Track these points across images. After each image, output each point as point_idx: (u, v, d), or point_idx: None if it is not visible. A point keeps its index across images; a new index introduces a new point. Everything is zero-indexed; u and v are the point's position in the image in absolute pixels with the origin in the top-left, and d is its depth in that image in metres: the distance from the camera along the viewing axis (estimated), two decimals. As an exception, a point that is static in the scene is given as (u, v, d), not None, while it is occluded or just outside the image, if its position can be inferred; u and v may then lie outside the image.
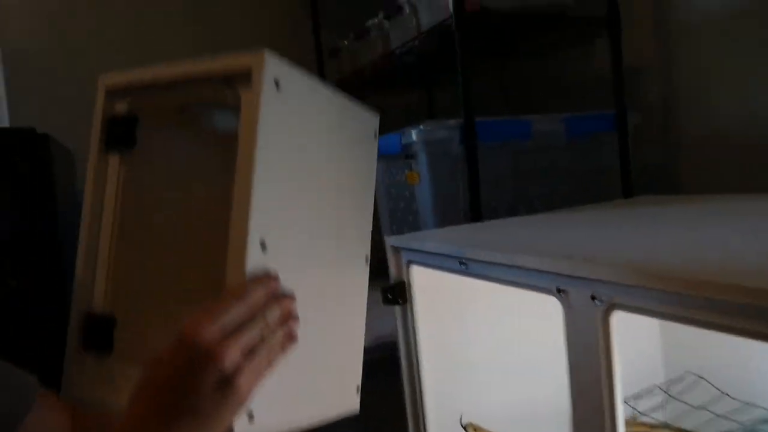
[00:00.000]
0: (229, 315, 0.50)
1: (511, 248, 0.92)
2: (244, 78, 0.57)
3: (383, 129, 1.67)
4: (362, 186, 0.81)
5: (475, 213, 1.43)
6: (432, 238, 1.17)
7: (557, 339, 0.82)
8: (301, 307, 0.59)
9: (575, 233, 1.08)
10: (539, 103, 2.09)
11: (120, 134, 0.70)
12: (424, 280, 1.19)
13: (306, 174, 0.67)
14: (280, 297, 0.56)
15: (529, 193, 1.62)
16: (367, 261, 0.84)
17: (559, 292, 0.77)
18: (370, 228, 0.83)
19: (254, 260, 0.54)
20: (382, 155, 1.65)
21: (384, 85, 2.38)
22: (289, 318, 0.56)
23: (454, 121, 1.44)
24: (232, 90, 0.58)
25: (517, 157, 1.56)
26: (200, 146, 0.80)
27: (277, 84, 0.57)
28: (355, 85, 2.30)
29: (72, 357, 0.68)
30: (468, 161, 1.42)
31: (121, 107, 0.70)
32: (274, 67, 0.57)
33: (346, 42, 2.25)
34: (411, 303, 1.19)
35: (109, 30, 2.34)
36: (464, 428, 1.15)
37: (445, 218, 1.46)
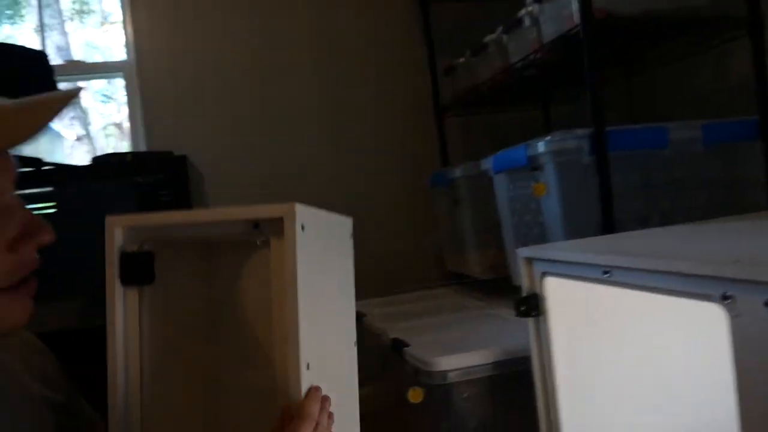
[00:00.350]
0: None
1: (662, 255, 0.87)
2: (274, 223, 0.65)
3: (499, 146, 1.67)
4: (349, 281, 0.88)
5: (607, 225, 1.38)
6: (570, 248, 1.13)
7: (714, 353, 0.77)
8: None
9: (731, 240, 1.01)
10: (666, 112, 2.00)
11: (137, 270, 0.71)
12: (558, 292, 1.15)
13: (323, 291, 0.75)
14: (325, 403, 0.67)
15: (661, 204, 1.54)
16: (355, 345, 0.91)
17: (725, 299, 0.72)
18: (354, 315, 0.90)
19: (305, 381, 0.65)
20: (505, 169, 1.63)
21: (499, 101, 2.36)
22: (331, 418, 0.69)
23: (583, 130, 1.40)
24: (259, 232, 0.66)
25: (650, 167, 1.49)
26: (218, 271, 0.82)
27: (303, 228, 0.66)
28: (470, 101, 2.30)
29: None
30: (599, 171, 1.37)
31: (136, 245, 0.72)
32: (300, 215, 0.65)
33: (462, 59, 2.25)
34: (545, 315, 1.15)
35: (237, 58, 2.47)
36: None
37: (574, 231, 1.41)
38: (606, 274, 0.95)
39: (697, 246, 1.00)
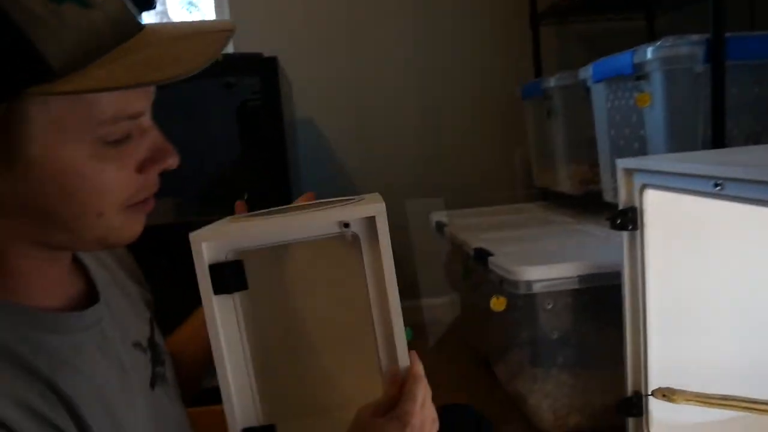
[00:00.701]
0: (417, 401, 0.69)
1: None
2: (362, 222, 0.72)
3: (596, 57, 1.57)
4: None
5: (717, 140, 1.29)
6: (675, 160, 1.07)
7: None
8: None
9: None
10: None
11: (229, 280, 0.72)
12: (658, 206, 1.10)
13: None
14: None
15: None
16: None
17: None
18: None
19: (405, 352, 0.75)
20: (606, 78, 1.54)
21: (599, 8, 2.21)
22: None
23: (699, 36, 1.29)
24: (347, 230, 0.72)
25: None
26: (306, 266, 0.84)
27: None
28: (568, 8, 2.16)
29: None
30: (713, 81, 1.27)
31: (223, 255, 0.72)
32: (385, 212, 0.72)
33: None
34: (642, 230, 1.11)
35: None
36: (652, 395, 1.05)
37: (678, 145, 1.33)
38: (717, 187, 0.90)
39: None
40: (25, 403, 0.50)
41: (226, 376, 0.75)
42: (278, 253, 0.81)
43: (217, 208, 1.96)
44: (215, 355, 0.74)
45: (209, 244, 0.72)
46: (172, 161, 0.58)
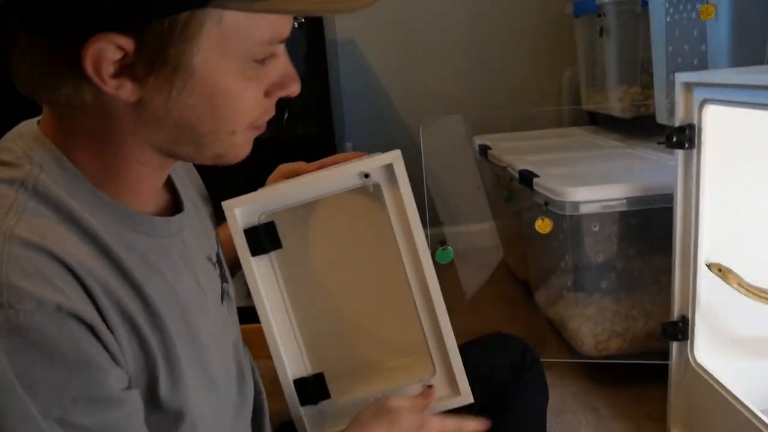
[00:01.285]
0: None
1: None
2: (381, 170, 0.75)
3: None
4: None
5: (785, 55, 1.20)
6: (740, 71, 1.00)
7: None
8: None
9: None
10: None
11: (264, 241, 0.77)
12: (717, 124, 1.04)
13: None
14: None
15: None
16: None
17: None
18: None
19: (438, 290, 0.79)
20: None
21: None
22: None
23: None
24: (369, 180, 0.75)
25: None
26: (333, 218, 0.88)
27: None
28: None
29: (296, 413, 0.82)
30: (785, -10, 1.17)
31: (256, 218, 0.76)
32: (401, 158, 0.75)
33: None
34: (700, 148, 1.05)
35: None
36: (708, 267, 1.04)
37: (743, 61, 1.25)
38: (786, 99, 0.84)
39: None
40: (115, 297, 0.52)
41: (273, 332, 0.79)
42: (308, 211, 0.84)
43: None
44: (259, 313, 0.79)
45: (242, 209, 0.76)
46: (296, 87, 0.60)
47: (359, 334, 0.91)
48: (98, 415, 0.48)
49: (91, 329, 0.48)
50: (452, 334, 0.79)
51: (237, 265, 0.81)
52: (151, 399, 0.55)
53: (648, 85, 1.76)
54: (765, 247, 1.05)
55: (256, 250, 0.77)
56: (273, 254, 0.78)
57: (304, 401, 0.81)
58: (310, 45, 1.66)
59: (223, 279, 0.73)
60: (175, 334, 0.57)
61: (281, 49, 0.57)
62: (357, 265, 0.89)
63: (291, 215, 0.80)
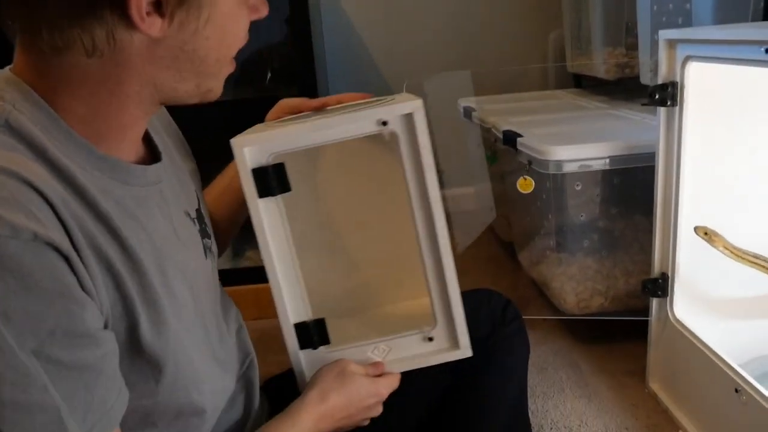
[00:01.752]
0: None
1: None
2: (400, 119, 0.73)
3: None
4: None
5: (769, 12, 1.20)
6: (723, 28, 1.00)
7: None
8: None
9: None
10: None
11: (272, 183, 0.74)
12: (700, 81, 1.04)
13: None
14: None
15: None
16: None
17: None
18: None
19: (447, 242, 0.78)
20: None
21: None
22: None
23: None
24: (386, 128, 0.73)
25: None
26: (347, 164, 0.86)
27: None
28: None
29: (296, 358, 0.81)
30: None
31: (265, 159, 0.73)
32: (422, 109, 0.72)
33: None
34: (682, 106, 1.06)
35: None
36: (695, 231, 1.05)
37: (727, 18, 1.24)
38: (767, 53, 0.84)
39: None
40: (89, 235, 0.51)
41: (276, 275, 0.78)
42: (318, 155, 0.83)
43: (238, 89, 1.93)
44: (263, 256, 0.77)
45: (251, 149, 0.73)
46: (265, 10, 0.62)
47: (363, 282, 0.91)
48: (74, 351, 0.48)
49: (67, 261, 0.48)
50: (457, 287, 0.79)
51: (242, 208, 0.80)
52: (133, 344, 0.55)
53: (633, 47, 1.75)
54: (745, 204, 1.06)
55: (264, 191, 0.74)
56: (281, 197, 0.76)
57: (303, 345, 0.81)
58: (292, 5, 1.63)
59: (204, 234, 0.72)
60: (154, 278, 0.57)
61: None
62: (364, 213, 0.87)
63: (301, 158, 0.77)
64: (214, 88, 0.61)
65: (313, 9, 1.86)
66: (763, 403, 0.93)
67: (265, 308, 1.80)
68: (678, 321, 1.16)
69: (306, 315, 0.80)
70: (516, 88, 2.29)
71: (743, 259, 1.05)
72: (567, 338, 1.51)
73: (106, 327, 0.52)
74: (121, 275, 0.53)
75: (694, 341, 1.11)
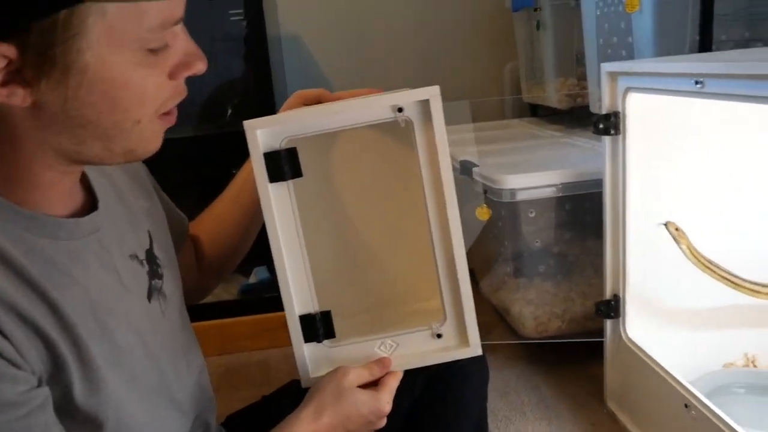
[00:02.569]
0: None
1: (761, 60, 0.80)
2: (416, 105, 0.72)
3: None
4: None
5: (704, 46, 1.27)
6: (658, 60, 1.06)
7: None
8: None
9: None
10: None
11: (284, 168, 0.73)
12: (641, 111, 1.10)
13: None
14: None
15: (766, 29, 1.40)
16: None
17: (830, 103, 0.66)
18: None
19: (459, 235, 0.75)
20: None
21: None
22: None
23: (689, -64, 1.25)
24: (401, 115, 0.72)
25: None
26: (358, 152, 0.85)
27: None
28: None
29: (300, 350, 0.79)
30: (703, -16, 1.24)
31: (278, 143, 0.72)
32: (439, 96, 0.71)
33: None
34: (624, 134, 1.11)
35: None
36: (665, 226, 1.09)
37: (666, 51, 1.31)
38: (698, 85, 0.89)
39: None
40: (10, 302, 0.51)
41: (283, 264, 0.76)
42: (331, 141, 0.82)
43: (199, 125, 1.94)
44: (272, 243, 0.75)
45: (264, 132, 0.72)
46: (201, 66, 0.59)
47: (372, 274, 0.88)
48: None
49: None
50: (468, 283, 0.77)
51: (250, 221, 0.81)
52: (68, 404, 0.55)
53: (583, 77, 1.82)
54: (686, 226, 1.11)
55: (276, 176, 0.72)
56: (291, 182, 0.74)
57: (308, 338, 0.78)
58: (250, 41, 1.67)
59: (154, 276, 0.71)
60: (89, 335, 0.57)
61: (179, 29, 0.56)
62: (376, 203, 0.85)
63: (314, 143, 0.76)
64: (135, 148, 0.58)
65: (273, 44, 1.90)
66: (711, 418, 0.96)
67: (229, 343, 1.82)
68: (631, 341, 1.20)
69: (312, 307, 0.78)
70: (474, 117, 2.34)
71: (701, 263, 1.08)
72: (529, 362, 1.54)
73: (40, 384, 0.53)
74: (50, 338, 0.53)
75: (646, 360, 1.14)
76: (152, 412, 0.65)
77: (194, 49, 0.58)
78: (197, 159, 1.72)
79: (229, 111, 1.80)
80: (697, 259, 1.09)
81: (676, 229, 1.09)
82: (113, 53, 0.51)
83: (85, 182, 0.66)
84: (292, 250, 0.76)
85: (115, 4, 0.49)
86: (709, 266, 1.09)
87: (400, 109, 0.71)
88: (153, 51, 0.54)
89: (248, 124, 0.71)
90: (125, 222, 0.69)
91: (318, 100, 0.84)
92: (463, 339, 0.79)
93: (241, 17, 1.77)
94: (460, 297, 0.77)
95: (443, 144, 0.72)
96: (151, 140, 0.59)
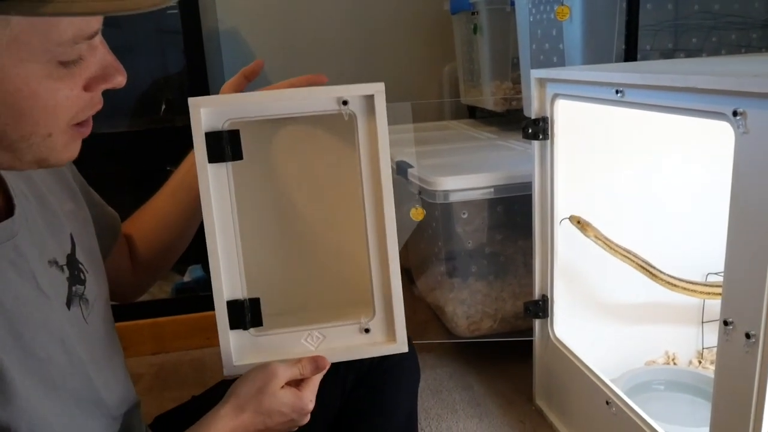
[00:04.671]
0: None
1: (676, 73, 0.84)
2: (361, 100, 0.73)
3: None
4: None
5: (630, 55, 1.32)
6: (584, 69, 1.10)
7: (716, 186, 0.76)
8: None
9: (751, 64, 0.96)
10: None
11: (225, 149, 0.73)
12: (568, 116, 1.13)
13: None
14: None
15: (690, 40, 1.46)
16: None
17: (735, 116, 0.70)
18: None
19: (394, 230, 0.76)
20: (529, -9, 1.54)
21: None
22: None
23: (617, -52, 1.30)
24: (346, 108, 0.73)
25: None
26: (301, 142, 0.85)
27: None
28: None
29: (225, 337, 0.78)
30: (628, -6, 1.29)
31: (220, 123, 0.72)
32: (383, 92, 0.73)
33: None
34: (552, 139, 1.14)
35: None
36: (569, 220, 1.14)
37: (593, 60, 1.36)
38: (618, 94, 0.93)
39: (715, 67, 0.96)
40: None
41: (215, 246, 0.75)
42: (275, 128, 0.81)
43: (133, 120, 1.89)
44: (206, 224, 0.75)
45: (208, 111, 0.72)
46: (120, 80, 0.58)
47: (304, 264, 0.88)
48: None
49: None
50: (399, 280, 0.77)
51: (191, 215, 0.80)
52: None
53: (518, 81, 1.87)
54: (612, 229, 1.15)
55: (215, 156, 0.73)
56: (231, 165, 0.74)
57: (234, 325, 0.78)
58: (186, 34, 1.64)
59: (75, 281, 0.70)
60: (1, 347, 0.55)
61: (96, 41, 0.55)
62: (315, 194, 0.86)
63: (257, 128, 0.76)
64: (47, 158, 0.57)
65: (211, 38, 1.87)
66: (630, 414, 1.01)
67: (163, 343, 1.78)
68: (558, 340, 1.24)
69: (241, 293, 0.78)
70: (414, 118, 2.36)
71: (613, 249, 1.12)
72: (461, 361, 1.57)
73: None
74: None
75: (572, 358, 1.18)
76: (77, 418, 0.64)
77: (113, 62, 0.57)
78: (130, 154, 1.69)
79: (164, 106, 1.77)
80: (611, 247, 1.12)
81: (579, 222, 1.12)
82: (18, 65, 0.49)
83: (2, 186, 0.64)
84: (226, 233, 0.76)
85: (20, 16, 0.47)
86: (626, 255, 1.12)
87: (344, 102, 0.73)
88: (64, 63, 0.52)
89: (193, 102, 0.71)
90: (45, 226, 0.67)
91: (255, 71, 0.85)
92: (391, 335, 0.80)
93: (177, 10, 1.74)
94: (390, 293, 0.78)
95: (384, 140, 0.73)
96: (65, 150, 0.58)
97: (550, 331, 1.26)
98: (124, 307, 1.71)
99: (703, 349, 1.36)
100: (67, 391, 0.63)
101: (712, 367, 1.29)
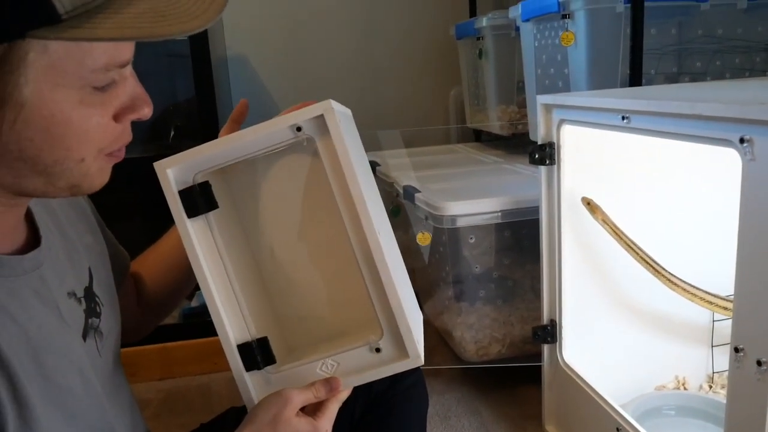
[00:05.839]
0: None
1: (682, 100, 0.84)
2: (313, 122, 0.71)
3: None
4: (367, 164, 0.92)
5: (635, 80, 1.32)
6: (590, 95, 1.10)
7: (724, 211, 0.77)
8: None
9: (756, 90, 0.97)
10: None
11: (199, 202, 0.73)
12: (575, 142, 1.14)
13: (365, 171, 0.82)
14: None
15: (693, 64, 1.48)
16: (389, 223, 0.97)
17: (742, 143, 0.70)
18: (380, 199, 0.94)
19: (378, 247, 0.75)
20: (533, 17, 1.56)
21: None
22: None
23: (621, -24, 1.31)
24: (301, 134, 0.72)
25: (687, 23, 1.41)
26: (272, 177, 0.85)
27: (338, 120, 0.72)
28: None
29: (242, 380, 0.79)
30: (633, 21, 1.30)
31: (190, 178, 0.73)
32: (333, 109, 0.71)
33: None
34: (559, 164, 1.15)
35: None
36: (581, 201, 1.13)
37: (598, 84, 1.37)
38: (624, 120, 0.93)
39: (720, 93, 0.97)
40: None
41: (213, 297, 0.76)
42: (246, 169, 0.81)
43: (144, 146, 1.91)
44: (198, 277, 0.76)
45: (174, 170, 0.72)
46: (148, 111, 0.59)
47: (303, 296, 0.88)
48: None
49: None
50: (397, 294, 0.76)
51: (184, 275, 0.80)
52: None
53: (524, 105, 1.88)
54: (617, 252, 1.15)
55: (192, 211, 0.73)
56: (210, 215, 0.74)
57: (249, 367, 0.78)
58: (195, 62, 1.66)
59: (91, 314, 0.71)
60: (24, 374, 0.56)
61: (127, 71, 0.57)
62: (298, 225, 0.85)
63: (228, 174, 0.77)
64: (79, 184, 0.58)
65: (219, 66, 1.90)
66: (641, 441, 1.00)
67: (170, 368, 1.78)
68: (567, 365, 1.23)
69: (248, 335, 0.78)
70: (420, 141, 2.38)
71: (619, 237, 1.11)
72: (469, 386, 1.56)
73: None
74: None
75: (581, 384, 1.17)
76: None
77: (141, 92, 0.59)
78: (140, 180, 1.69)
79: (173, 132, 1.78)
80: (617, 234, 1.11)
81: (589, 203, 1.11)
82: (53, 90, 0.51)
83: (29, 217, 0.65)
84: (221, 281, 0.77)
85: (58, 42, 0.49)
86: (631, 246, 1.11)
87: (298, 128, 0.72)
88: (98, 90, 0.53)
89: (158, 165, 0.72)
90: (65, 258, 0.68)
91: (242, 113, 0.87)
92: (403, 351, 0.79)
93: (185, 38, 1.76)
94: (391, 310, 0.77)
95: (345, 157, 0.72)
96: (97, 177, 0.59)
97: (558, 356, 1.25)
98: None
99: (713, 373, 1.35)
100: (85, 421, 0.63)
101: (723, 392, 1.28)
